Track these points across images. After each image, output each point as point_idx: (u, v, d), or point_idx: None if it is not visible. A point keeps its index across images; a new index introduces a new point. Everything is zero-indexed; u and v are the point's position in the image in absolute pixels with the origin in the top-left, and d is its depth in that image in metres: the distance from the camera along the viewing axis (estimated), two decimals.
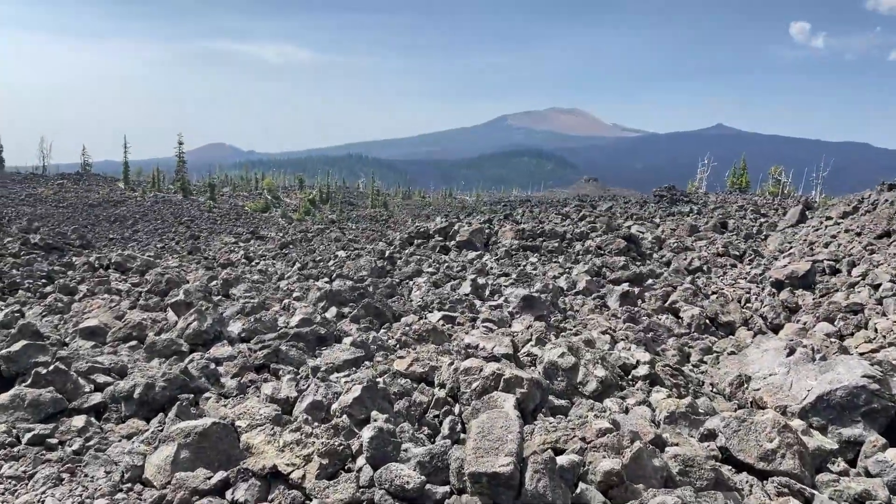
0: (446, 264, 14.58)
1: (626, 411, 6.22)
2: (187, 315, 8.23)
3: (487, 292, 12.08)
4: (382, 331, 9.14)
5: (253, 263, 21.34)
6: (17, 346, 6.57)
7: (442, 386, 6.09)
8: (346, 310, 10.08)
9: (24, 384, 6.00)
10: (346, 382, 6.25)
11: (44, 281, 17.55)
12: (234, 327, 8.95)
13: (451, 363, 6.22)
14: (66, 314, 14.09)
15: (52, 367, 6.08)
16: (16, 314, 13.09)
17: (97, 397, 6.06)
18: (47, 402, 5.82)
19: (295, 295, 11.72)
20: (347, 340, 7.97)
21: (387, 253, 16.34)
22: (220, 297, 12.81)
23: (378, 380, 6.04)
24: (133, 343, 8.67)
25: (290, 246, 25.16)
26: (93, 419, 5.78)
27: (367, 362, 7.22)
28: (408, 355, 6.66)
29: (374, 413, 5.49)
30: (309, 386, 5.93)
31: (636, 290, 13.64)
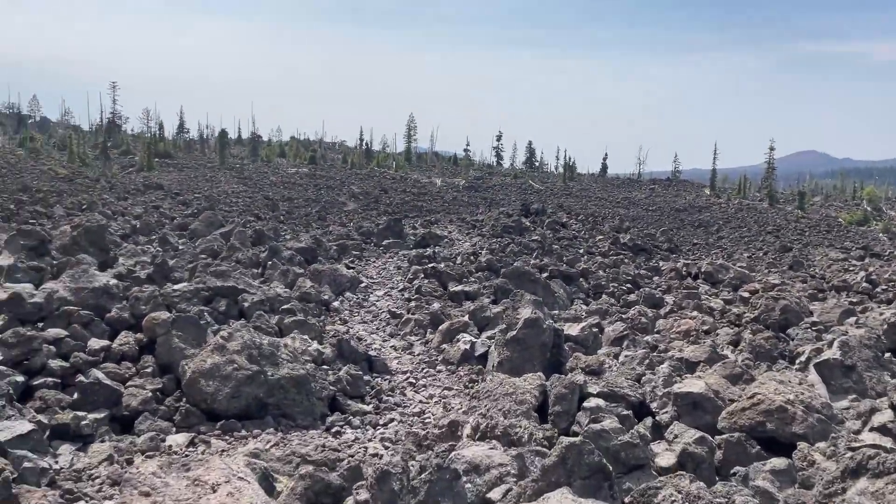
0: None
1: None
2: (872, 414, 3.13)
3: None
4: None
5: (878, 290, 14.62)
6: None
7: None
8: None
9: None
10: None
11: (628, 286, 14.19)
12: None
13: None
14: (651, 333, 10.21)
15: None
16: (593, 329, 9.66)
17: None
18: None
19: None
20: None
21: None
22: (887, 354, 7.10)
23: None
24: (781, 467, 3.90)
25: None
26: None
27: None
28: None
29: None
30: None
31: None
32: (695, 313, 11.51)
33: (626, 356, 7.37)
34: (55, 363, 5.81)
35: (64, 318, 6.39)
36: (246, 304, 8.09)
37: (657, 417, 5.51)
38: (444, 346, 8.69)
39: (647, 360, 7.06)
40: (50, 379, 5.65)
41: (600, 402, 5.25)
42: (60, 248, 8.78)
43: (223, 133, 44.75)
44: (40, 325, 6.35)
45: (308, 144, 58.61)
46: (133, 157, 38.56)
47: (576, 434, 5.16)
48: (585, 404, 5.23)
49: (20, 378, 5.47)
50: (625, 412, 5.20)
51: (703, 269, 15.76)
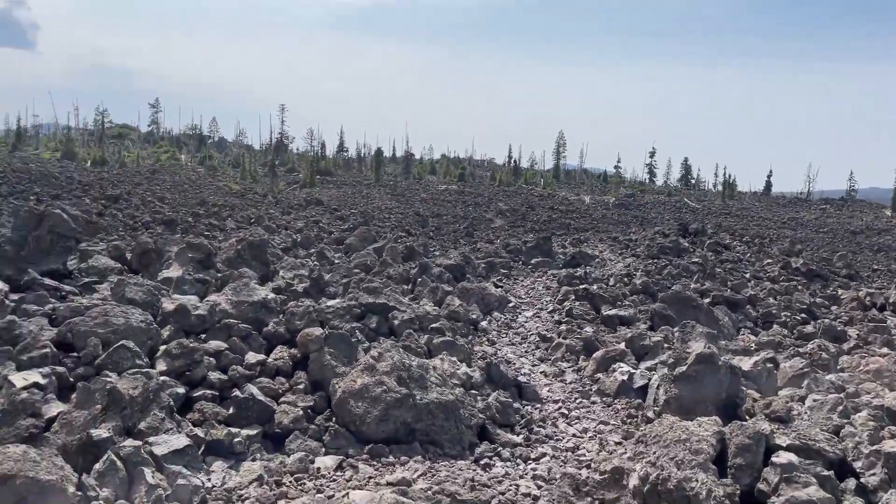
0: None
1: None
2: None
3: None
4: None
5: None
6: None
7: None
8: None
9: None
10: None
11: (803, 316, 12.71)
12: None
13: None
14: (834, 371, 8.94)
15: None
16: (767, 364, 8.58)
17: None
18: None
19: None
20: None
21: None
22: None
23: None
24: None
25: None
26: None
27: None
28: None
29: None
30: None
31: None
32: (885, 350, 10.02)
33: (814, 401, 6.38)
34: (214, 376, 5.88)
35: (224, 331, 6.51)
36: (396, 322, 7.94)
37: (861, 479, 4.61)
38: (599, 375, 8.05)
39: (841, 407, 6.05)
40: (209, 391, 5.71)
41: (792, 457, 4.45)
42: (225, 261, 9.13)
43: (379, 152, 46.40)
44: (203, 336, 6.52)
45: (458, 162, 59.52)
46: (297, 175, 40.90)
47: (762, 493, 4.42)
48: (774, 459, 4.46)
49: (181, 390, 5.56)
50: (824, 472, 4.37)
51: (891, 300, 13.88)
